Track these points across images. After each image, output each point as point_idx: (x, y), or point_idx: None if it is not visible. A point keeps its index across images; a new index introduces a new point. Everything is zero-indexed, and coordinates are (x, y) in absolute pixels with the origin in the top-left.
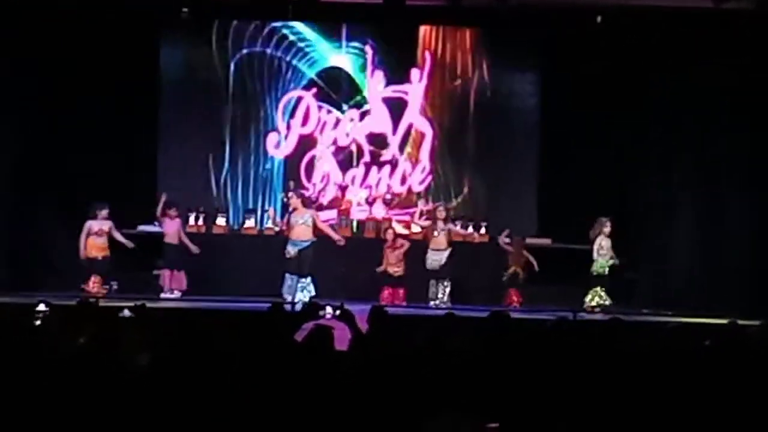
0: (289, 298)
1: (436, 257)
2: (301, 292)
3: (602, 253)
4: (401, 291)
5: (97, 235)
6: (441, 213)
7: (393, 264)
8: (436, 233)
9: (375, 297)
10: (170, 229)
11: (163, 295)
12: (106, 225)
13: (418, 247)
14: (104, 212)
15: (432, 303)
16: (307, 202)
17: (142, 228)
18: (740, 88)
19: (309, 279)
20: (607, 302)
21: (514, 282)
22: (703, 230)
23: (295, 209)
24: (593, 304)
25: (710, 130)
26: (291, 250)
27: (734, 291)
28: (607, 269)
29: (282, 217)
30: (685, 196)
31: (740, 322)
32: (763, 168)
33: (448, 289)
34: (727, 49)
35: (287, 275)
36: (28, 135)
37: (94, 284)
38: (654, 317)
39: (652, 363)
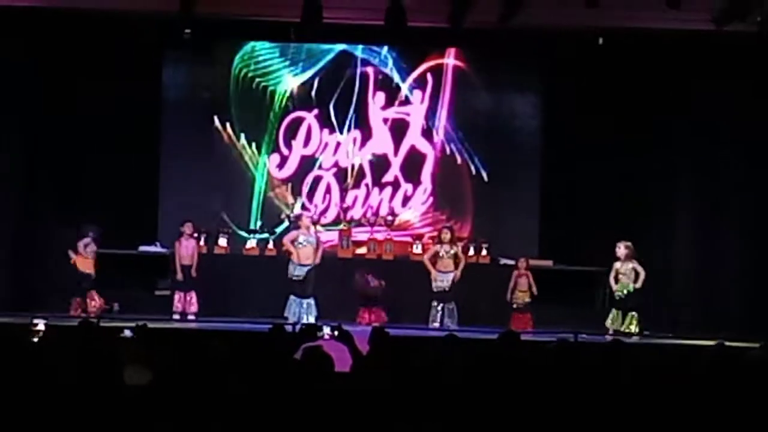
0: (293, 320)
1: (442, 279)
2: (306, 313)
3: (619, 278)
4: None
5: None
6: (446, 235)
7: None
8: (441, 255)
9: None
10: (187, 250)
11: (176, 317)
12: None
13: (418, 269)
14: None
15: (434, 324)
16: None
17: (143, 248)
18: (742, 110)
19: (312, 300)
20: (619, 326)
21: (523, 306)
22: (703, 253)
23: (300, 229)
24: (610, 325)
25: (712, 152)
26: (300, 274)
27: (733, 314)
28: (622, 293)
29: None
30: (686, 219)
31: (735, 344)
32: (763, 191)
33: (455, 312)
34: (729, 71)
35: (292, 297)
36: (29, 153)
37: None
38: (654, 339)
39: (653, 384)
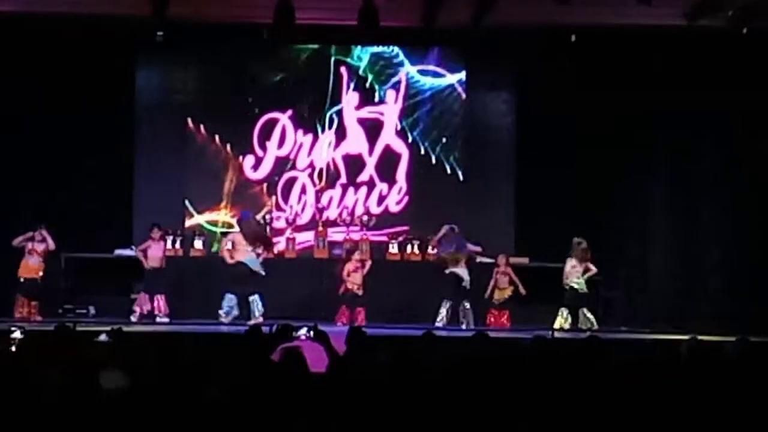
0: (227, 318)
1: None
2: (255, 308)
3: (574, 273)
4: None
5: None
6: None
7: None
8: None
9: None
10: (157, 252)
11: (158, 319)
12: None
13: (394, 268)
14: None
15: (439, 323)
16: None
17: (118, 252)
18: (716, 105)
19: (257, 296)
20: (570, 323)
21: (502, 304)
22: (679, 248)
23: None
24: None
25: (686, 148)
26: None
27: (709, 308)
28: (581, 289)
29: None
30: (661, 215)
31: (711, 338)
32: (738, 186)
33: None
34: (700, 66)
35: (228, 294)
36: (2, 158)
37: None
38: (631, 335)
39: (629, 379)
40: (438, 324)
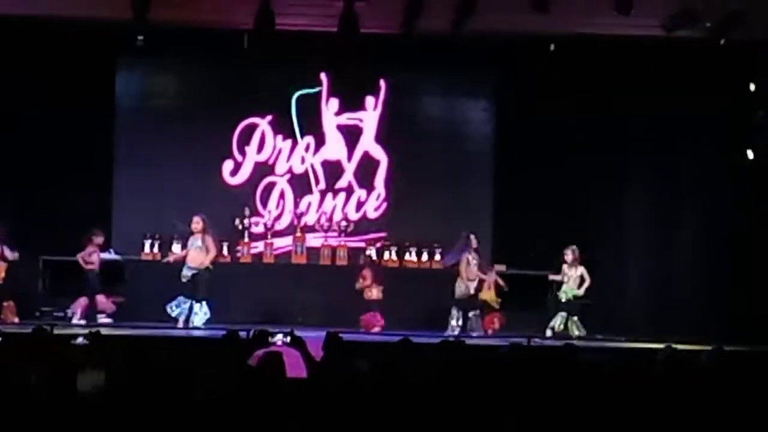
0: (177, 318)
1: (468, 286)
2: (195, 316)
3: (566, 281)
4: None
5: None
6: (474, 243)
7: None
8: (469, 262)
9: (330, 323)
10: (97, 257)
11: (100, 319)
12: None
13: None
14: None
15: (454, 332)
16: (207, 227)
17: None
18: (693, 115)
19: (204, 304)
20: (562, 327)
21: (490, 307)
22: (655, 257)
23: (193, 232)
24: (560, 328)
25: (664, 156)
26: (186, 274)
27: (685, 317)
28: (570, 297)
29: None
30: (639, 223)
31: (688, 347)
32: (714, 196)
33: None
34: (678, 77)
35: (181, 298)
36: None
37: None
38: (607, 343)
39: (605, 388)
40: (454, 332)
